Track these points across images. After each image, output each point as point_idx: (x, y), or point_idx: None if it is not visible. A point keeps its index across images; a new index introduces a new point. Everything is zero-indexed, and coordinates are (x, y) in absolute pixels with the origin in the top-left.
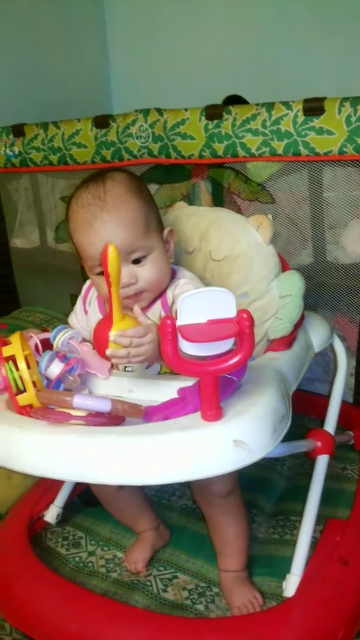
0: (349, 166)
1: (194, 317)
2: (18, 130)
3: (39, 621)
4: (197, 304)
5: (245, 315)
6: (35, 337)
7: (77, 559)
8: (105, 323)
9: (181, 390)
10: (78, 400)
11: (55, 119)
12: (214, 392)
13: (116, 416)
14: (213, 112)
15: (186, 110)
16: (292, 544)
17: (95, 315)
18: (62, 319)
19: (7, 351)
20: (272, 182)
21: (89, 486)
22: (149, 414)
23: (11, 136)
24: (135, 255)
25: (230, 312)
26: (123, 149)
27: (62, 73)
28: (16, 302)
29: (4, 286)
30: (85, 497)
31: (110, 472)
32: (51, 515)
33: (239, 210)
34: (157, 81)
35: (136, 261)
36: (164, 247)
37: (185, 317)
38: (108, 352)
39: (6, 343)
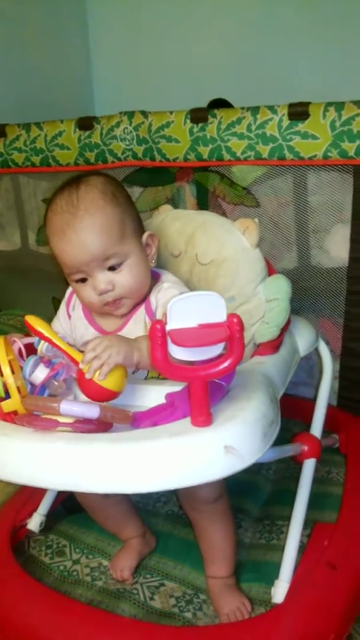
0: (333, 171)
1: (184, 322)
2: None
3: (25, 633)
4: (187, 308)
5: (235, 320)
6: (19, 342)
7: (61, 567)
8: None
9: (169, 396)
10: (65, 406)
11: (37, 119)
12: (204, 397)
13: (104, 422)
14: (198, 116)
15: (171, 113)
16: (280, 548)
17: (80, 320)
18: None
19: None
20: (257, 186)
21: (73, 493)
22: (137, 419)
23: None
24: (110, 262)
25: (221, 317)
26: (107, 151)
27: (45, 74)
28: None
29: None
30: (70, 505)
31: (99, 480)
32: (34, 523)
33: (223, 214)
34: (140, 84)
35: (112, 268)
36: (143, 251)
37: (175, 321)
38: (87, 374)
39: None
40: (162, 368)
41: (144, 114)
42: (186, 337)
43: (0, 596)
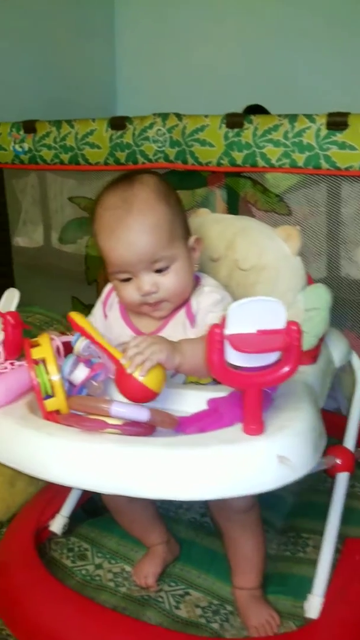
0: None
1: (243, 327)
2: (29, 127)
3: (52, 639)
4: (246, 313)
5: (294, 327)
6: (57, 340)
7: (83, 571)
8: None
9: (212, 401)
10: (116, 408)
11: (60, 117)
12: (258, 405)
13: (150, 426)
14: (234, 121)
15: (206, 116)
16: (306, 562)
17: (117, 320)
18: (61, 321)
19: (36, 353)
20: (290, 194)
21: (94, 496)
22: (181, 424)
23: (22, 132)
24: (158, 265)
25: (280, 323)
26: (138, 152)
27: (71, 73)
28: None
29: (2, 285)
30: (89, 508)
31: (151, 485)
32: (57, 525)
33: None
34: (163, 88)
35: (158, 270)
36: (189, 255)
37: (234, 326)
38: (128, 369)
39: (33, 345)
40: (218, 373)
41: (179, 116)
42: (245, 343)
43: (27, 600)
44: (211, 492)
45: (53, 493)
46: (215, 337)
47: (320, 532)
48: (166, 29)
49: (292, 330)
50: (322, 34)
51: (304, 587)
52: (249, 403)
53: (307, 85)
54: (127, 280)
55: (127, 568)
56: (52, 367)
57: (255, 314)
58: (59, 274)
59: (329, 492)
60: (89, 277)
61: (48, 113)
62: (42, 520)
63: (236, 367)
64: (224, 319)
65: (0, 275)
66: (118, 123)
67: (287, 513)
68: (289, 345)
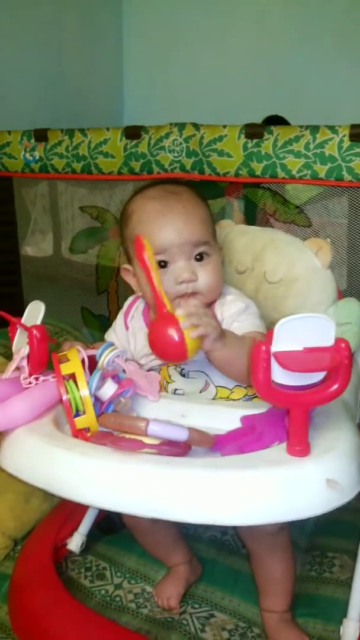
0: None
1: (291, 344)
2: (40, 135)
3: None
4: (294, 330)
5: (343, 345)
6: (83, 352)
7: (102, 592)
8: (160, 317)
9: (246, 419)
10: (153, 427)
11: (67, 125)
12: (304, 425)
13: (187, 445)
14: (253, 131)
15: (224, 127)
16: (333, 582)
17: (142, 330)
18: (70, 331)
19: (66, 368)
20: (310, 206)
21: (111, 513)
22: (218, 443)
23: (32, 140)
24: (201, 249)
25: (328, 341)
26: (153, 162)
27: (79, 82)
28: (22, 312)
29: (10, 294)
30: (105, 525)
31: (193, 509)
32: (75, 543)
33: None
34: (170, 96)
35: (199, 259)
36: (221, 258)
37: (282, 343)
38: (183, 324)
39: (62, 359)
40: (263, 391)
41: (196, 126)
42: (292, 361)
43: (51, 623)
44: (258, 517)
45: (69, 510)
46: (261, 355)
47: (346, 551)
48: (174, 37)
49: (341, 348)
50: (334, 42)
51: (333, 610)
52: (294, 423)
53: (320, 95)
54: (162, 266)
55: (148, 588)
56: (82, 382)
57: (302, 331)
58: (68, 283)
59: (352, 509)
60: (99, 287)
61: (55, 121)
62: (59, 538)
63: (281, 385)
64: (269, 336)
65: (8, 284)
66: (133, 132)
67: (311, 531)
68: (339, 363)
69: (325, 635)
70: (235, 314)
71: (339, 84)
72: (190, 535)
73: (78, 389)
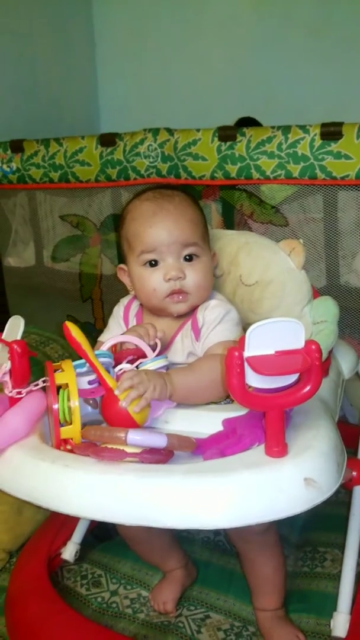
0: None
1: (262, 348)
2: (17, 146)
3: None
4: (265, 334)
5: (314, 347)
6: None
7: (99, 599)
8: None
9: (227, 422)
10: (133, 436)
11: (44, 135)
12: (280, 426)
13: (168, 451)
14: (226, 134)
15: (198, 130)
16: (325, 577)
17: None
18: (57, 340)
19: (60, 378)
20: (286, 205)
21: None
22: (199, 447)
23: (9, 152)
24: (189, 250)
25: (298, 343)
26: (130, 168)
27: (53, 90)
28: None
29: None
30: (99, 532)
31: (176, 514)
32: (69, 552)
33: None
34: (146, 101)
35: (188, 259)
36: (211, 262)
37: (254, 348)
38: (123, 402)
39: (56, 369)
40: (239, 397)
41: (170, 131)
42: (265, 365)
43: (47, 634)
44: (238, 520)
45: (63, 520)
46: (234, 361)
47: (336, 545)
48: (147, 43)
49: (312, 350)
50: (304, 41)
51: (326, 604)
52: (271, 425)
53: (292, 94)
54: (153, 265)
55: (144, 593)
56: (73, 393)
57: (273, 335)
58: (52, 292)
59: (341, 503)
60: (84, 294)
61: (32, 131)
62: (53, 548)
63: (257, 389)
64: (242, 341)
65: None
66: (108, 140)
67: (301, 526)
68: (310, 365)
69: (318, 629)
70: (215, 320)
71: (310, 81)
72: (183, 537)
73: (69, 400)
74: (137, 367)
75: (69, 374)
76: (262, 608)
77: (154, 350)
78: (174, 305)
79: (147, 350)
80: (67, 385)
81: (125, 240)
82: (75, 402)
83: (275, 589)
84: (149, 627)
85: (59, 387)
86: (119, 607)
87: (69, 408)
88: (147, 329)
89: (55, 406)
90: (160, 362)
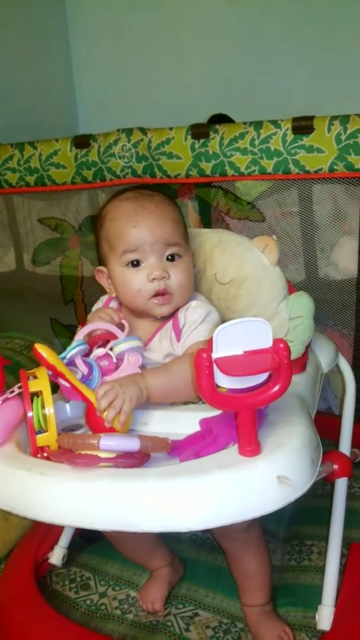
0: (339, 183)
1: (230, 349)
2: None
3: None
4: (232, 335)
5: (282, 345)
6: None
7: (88, 601)
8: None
9: (204, 422)
10: (105, 442)
11: (22, 139)
12: (252, 426)
13: (143, 454)
14: (199, 131)
15: (171, 129)
16: (312, 570)
17: None
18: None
19: (33, 386)
20: (261, 200)
21: None
22: (176, 448)
23: None
24: (172, 250)
25: (267, 342)
26: (105, 169)
27: (29, 93)
28: None
29: None
30: (87, 534)
31: (150, 518)
32: (56, 557)
33: (227, 229)
34: (125, 102)
35: (170, 259)
36: (192, 262)
37: (222, 349)
38: (106, 424)
39: (30, 376)
40: (209, 398)
41: (143, 130)
42: (234, 366)
43: (33, 638)
44: (213, 521)
45: (48, 525)
46: (202, 362)
47: (323, 537)
48: (122, 42)
49: (280, 349)
50: (280, 36)
51: (313, 597)
52: (243, 424)
53: (270, 89)
54: (135, 265)
55: (132, 593)
56: (48, 401)
57: (241, 335)
58: (34, 296)
59: (328, 495)
60: (66, 297)
61: (10, 135)
62: (40, 554)
63: (229, 390)
64: (210, 343)
65: None
66: (82, 141)
67: (288, 520)
68: (279, 363)
69: (305, 622)
70: (195, 321)
71: (288, 76)
72: (170, 536)
73: (43, 407)
74: (111, 348)
75: (42, 381)
76: (250, 604)
77: (122, 330)
78: (158, 307)
79: (117, 331)
80: (41, 392)
81: (105, 241)
82: (50, 410)
83: (262, 584)
84: (137, 627)
85: (34, 395)
86: (107, 609)
87: (44, 416)
88: (108, 313)
89: (30, 414)
90: (132, 343)
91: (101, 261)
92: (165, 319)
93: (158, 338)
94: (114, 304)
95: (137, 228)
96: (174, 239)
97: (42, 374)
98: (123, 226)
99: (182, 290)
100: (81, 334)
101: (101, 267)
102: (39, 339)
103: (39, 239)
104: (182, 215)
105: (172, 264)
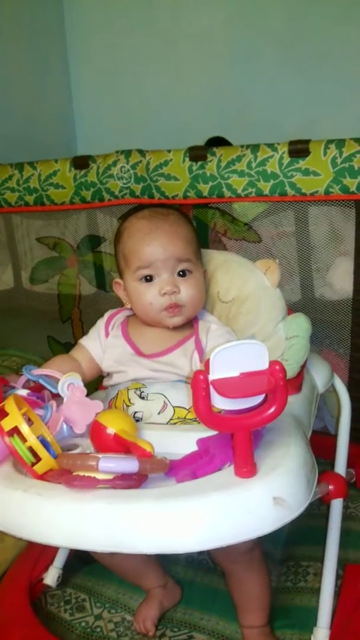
0: (334, 205)
1: (227, 371)
2: None
3: None
4: (229, 357)
5: (278, 367)
6: (21, 390)
7: (83, 624)
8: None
9: (201, 442)
10: (104, 464)
11: (20, 157)
12: (248, 447)
13: (141, 475)
14: (197, 154)
15: (169, 151)
16: (308, 591)
17: (118, 338)
18: (38, 362)
19: (7, 424)
20: (258, 222)
21: None
22: (173, 468)
23: None
24: (183, 266)
25: (263, 364)
26: (104, 190)
27: (28, 112)
28: None
29: None
30: (84, 555)
31: (147, 540)
32: (51, 577)
33: (224, 249)
34: (122, 121)
35: (182, 274)
36: (204, 278)
37: (218, 371)
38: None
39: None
40: (205, 419)
41: (141, 152)
42: (230, 387)
43: None
44: (209, 542)
45: (44, 546)
46: (199, 384)
47: (319, 558)
48: (120, 61)
49: (276, 371)
50: (276, 55)
51: (309, 618)
52: (239, 446)
53: (266, 108)
54: (148, 280)
55: (128, 617)
56: (27, 433)
57: (237, 357)
58: (32, 314)
59: (324, 516)
60: (63, 315)
61: (8, 154)
62: (34, 574)
63: (225, 411)
64: (207, 365)
65: None
66: (81, 162)
67: (284, 541)
68: (275, 385)
69: None
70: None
71: (283, 95)
72: (167, 558)
73: (25, 441)
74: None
75: (14, 417)
76: (249, 625)
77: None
78: (169, 319)
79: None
80: (16, 429)
81: (122, 256)
82: (32, 439)
83: (262, 605)
84: None
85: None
86: (103, 631)
87: (30, 448)
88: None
89: (15, 453)
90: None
91: (119, 274)
92: (183, 332)
93: (182, 351)
94: (121, 316)
95: (150, 246)
96: (185, 255)
97: (11, 408)
98: (137, 244)
99: (193, 302)
100: (38, 371)
101: (118, 280)
102: (35, 356)
103: (37, 258)
104: (196, 233)
105: (183, 279)
